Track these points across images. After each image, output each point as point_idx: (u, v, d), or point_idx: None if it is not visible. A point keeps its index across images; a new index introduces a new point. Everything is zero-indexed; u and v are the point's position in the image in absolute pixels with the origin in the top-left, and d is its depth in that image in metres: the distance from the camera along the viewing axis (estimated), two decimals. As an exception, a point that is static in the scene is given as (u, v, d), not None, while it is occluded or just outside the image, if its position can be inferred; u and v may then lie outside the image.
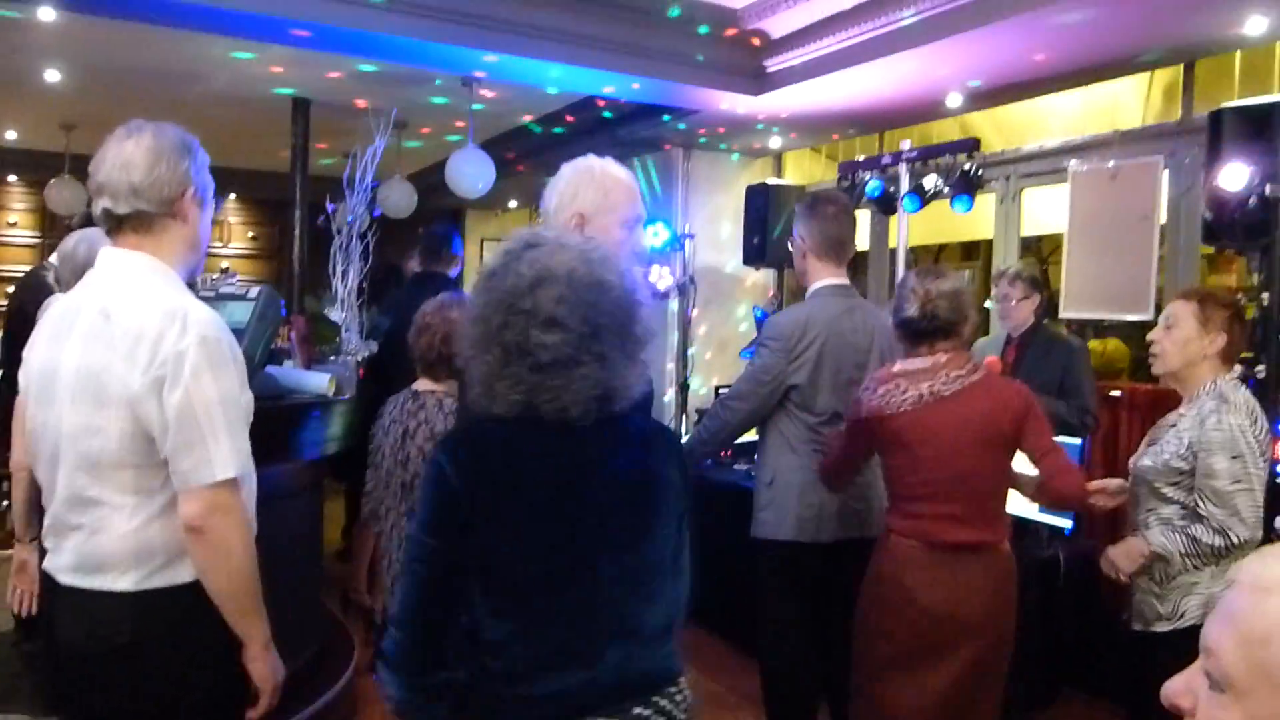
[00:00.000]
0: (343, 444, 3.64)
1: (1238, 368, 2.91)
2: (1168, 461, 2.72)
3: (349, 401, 3.66)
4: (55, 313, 1.99)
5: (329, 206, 4.11)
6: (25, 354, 2.01)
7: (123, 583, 1.86)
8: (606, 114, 6.38)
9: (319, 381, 3.59)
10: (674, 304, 6.94)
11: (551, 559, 1.57)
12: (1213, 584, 2.63)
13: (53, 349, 1.92)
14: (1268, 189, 3.47)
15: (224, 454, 1.84)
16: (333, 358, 3.84)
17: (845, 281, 3.50)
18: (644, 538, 1.65)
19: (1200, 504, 2.65)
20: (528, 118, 7.14)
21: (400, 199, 7.15)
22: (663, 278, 6.42)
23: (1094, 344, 6.02)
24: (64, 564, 1.92)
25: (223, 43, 5.06)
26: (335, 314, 3.93)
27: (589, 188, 2.25)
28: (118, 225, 1.95)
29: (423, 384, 3.07)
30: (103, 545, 1.87)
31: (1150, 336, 2.89)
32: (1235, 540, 2.59)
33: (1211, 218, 3.67)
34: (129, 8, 4.22)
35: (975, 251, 8.34)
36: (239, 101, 6.46)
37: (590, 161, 2.30)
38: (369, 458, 3.09)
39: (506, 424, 1.61)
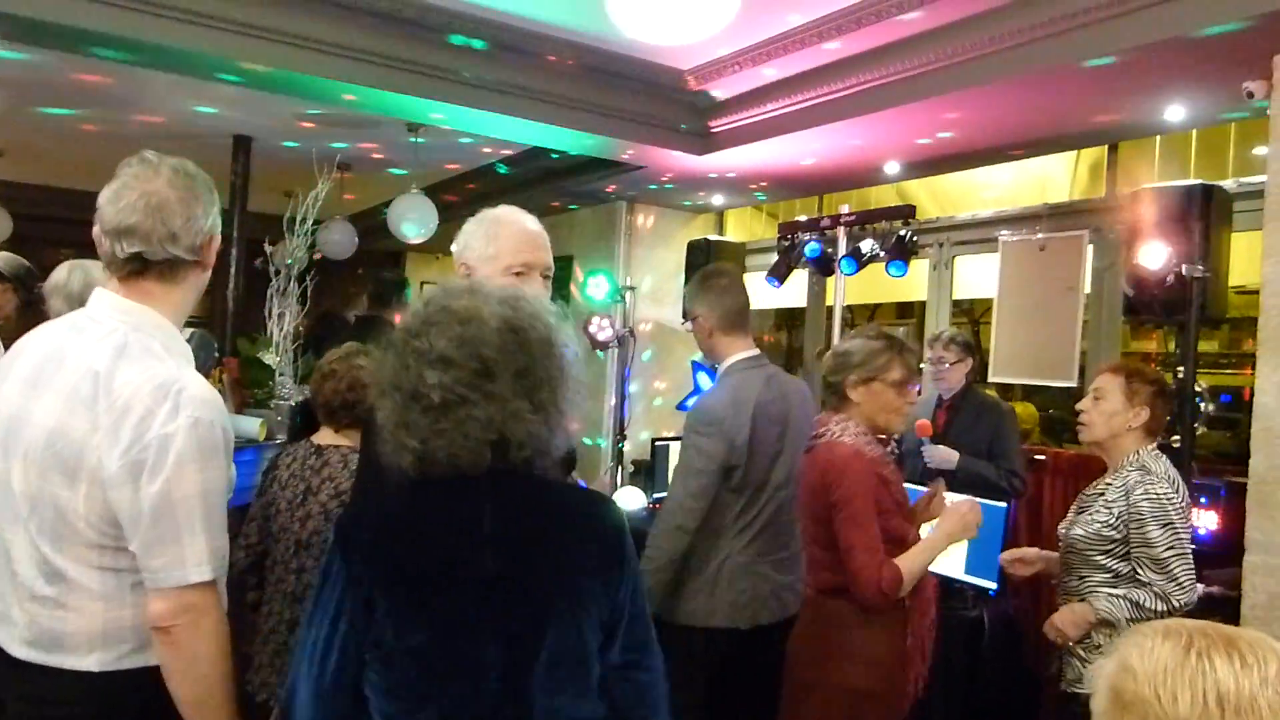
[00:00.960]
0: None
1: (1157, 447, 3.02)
2: (1099, 530, 2.82)
3: (279, 447, 3.60)
4: (35, 354, 1.77)
5: (267, 248, 4.06)
6: None
7: (87, 663, 1.67)
8: (553, 160, 6.43)
9: (249, 426, 3.54)
10: (614, 355, 6.96)
11: (439, 646, 1.43)
12: None
13: (25, 396, 1.72)
14: (1184, 269, 3.62)
15: (199, 554, 1.66)
16: (270, 403, 3.78)
17: (756, 351, 3.33)
18: (548, 624, 1.47)
19: (1140, 571, 2.75)
20: (473, 164, 7.17)
21: (341, 240, 7.10)
22: (603, 329, 6.45)
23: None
24: (18, 636, 1.70)
25: (163, 77, 5.01)
26: (269, 358, 3.87)
27: (475, 237, 2.20)
28: (140, 271, 1.75)
29: (324, 436, 2.95)
30: (68, 623, 1.67)
31: (1079, 407, 3.01)
32: (1177, 605, 2.69)
33: (1132, 294, 3.82)
34: (69, 40, 4.16)
35: (909, 311, 8.52)
36: (177, 136, 6.38)
37: (486, 212, 2.25)
38: (254, 509, 2.92)
39: (405, 492, 1.51)
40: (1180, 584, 2.71)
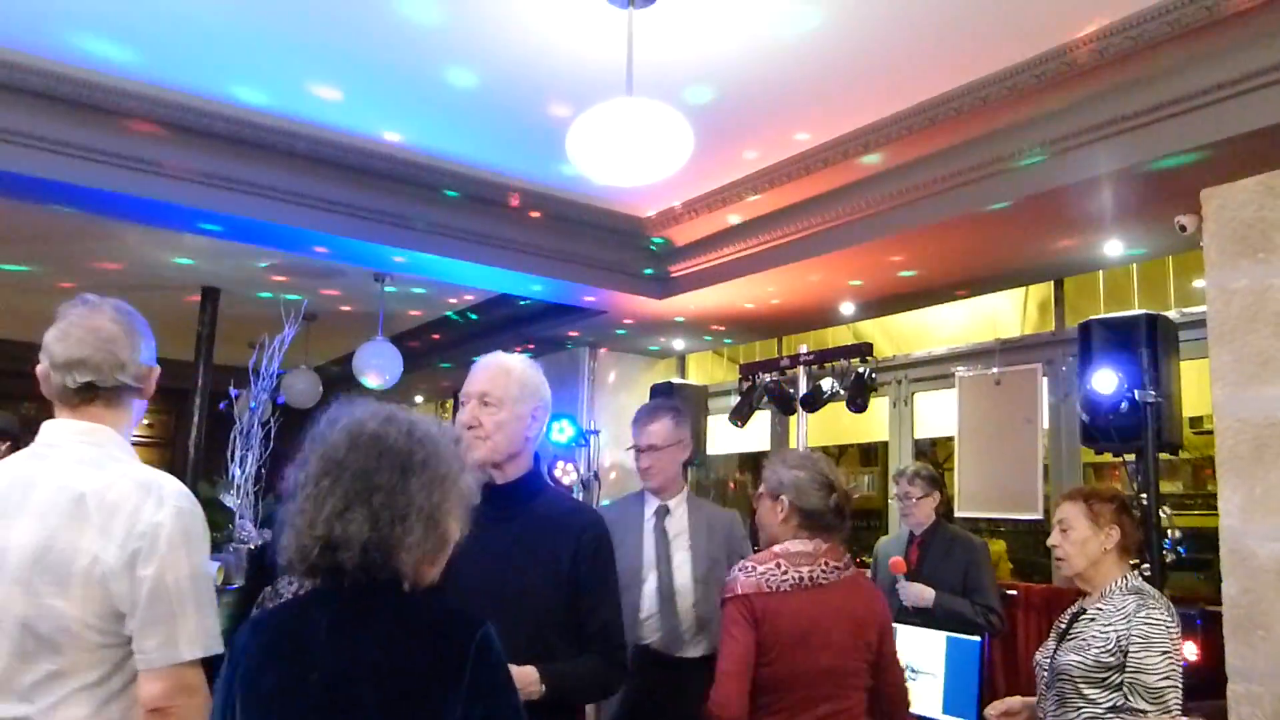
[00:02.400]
0: (228, 636, 3.44)
1: (1140, 568, 3.00)
2: (1097, 657, 2.71)
3: (236, 592, 3.49)
4: None
5: (233, 392, 4.05)
6: None
7: None
8: (513, 310, 6.54)
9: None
10: (578, 498, 6.90)
11: None
12: None
13: None
14: (1136, 394, 3.70)
15: (191, 632, 1.76)
16: (226, 546, 3.70)
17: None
18: None
19: (1131, 700, 2.65)
20: (437, 313, 7.27)
21: (305, 389, 7.09)
22: (568, 473, 6.42)
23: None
24: None
25: (132, 229, 5.10)
26: (230, 500, 3.81)
27: None
28: (90, 399, 1.90)
29: None
30: None
31: (1050, 542, 2.95)
32: None
33: (1088, 419, 3.89)
34: (34, 191, 4.24)
35: (874, 457, 8.57)
36: (146, 288, 6.44)
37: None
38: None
39: (281, 610, 1.57)
40: (1174, 716, 2.64)
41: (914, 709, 3.70)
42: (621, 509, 3.61)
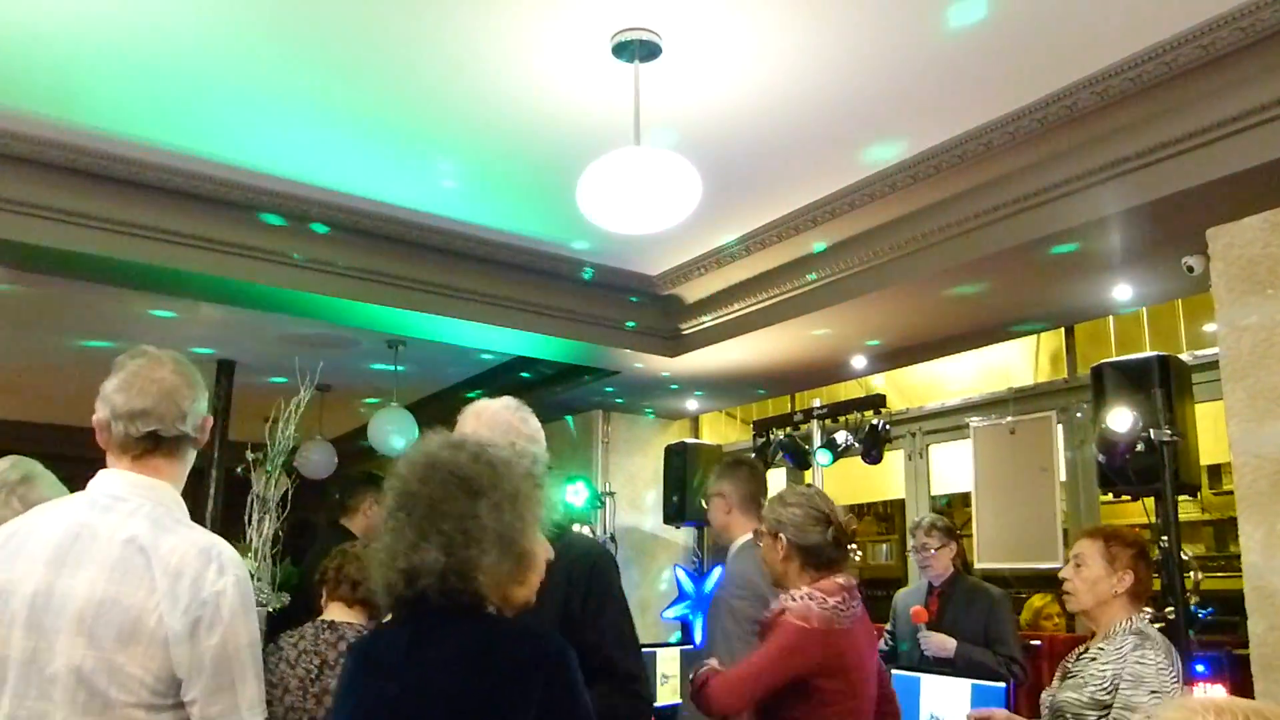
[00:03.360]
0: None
1: (1148, 610, 2.96)
2: (1093, 694, 2.71)
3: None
4: (50, 533, 1.85)
5: (249, 455, 4.08)
6: None
7: None
8: (526, 375, 6.59)
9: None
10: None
11: None
12: None
13: (55, 574, 1.80)
14: (1152, 434, 3.70)
15: (251, 698, 1.80)
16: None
17: None
18: None
19: None
20: (449, 382, 7.32)
21: (320, 460, 7.12)
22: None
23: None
24: None
25: (140, 301, 5.18)
26: (249, 564, 3.80)
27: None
28: (152, 450, 1.92)
29: (336, 612, 2.97)
30: None
31: (1061, 575, 2.96)
32: None
33: (1104, 460, 3.87)
34: (36, 261, 4.34)
35: (892, 525, 8.51)
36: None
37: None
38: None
39: (372, 632, 1.65)
40: None
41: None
42: None
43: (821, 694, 2.56)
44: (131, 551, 1.80)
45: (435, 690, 1.50)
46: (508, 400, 2.55)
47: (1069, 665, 2.91)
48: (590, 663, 2.20)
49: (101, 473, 1.94)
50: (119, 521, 1.84)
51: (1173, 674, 2.69)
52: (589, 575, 2.26)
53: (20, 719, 1.75)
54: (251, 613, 1.84)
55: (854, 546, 2.89)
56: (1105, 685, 2.70)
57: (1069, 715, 2.75)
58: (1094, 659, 2.80)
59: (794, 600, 2.61)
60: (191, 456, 2.01)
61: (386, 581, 1.56)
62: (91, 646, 1.75)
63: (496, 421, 2.41)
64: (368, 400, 7.54)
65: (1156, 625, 2.96)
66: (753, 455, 5.87)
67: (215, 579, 1.79)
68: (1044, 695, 2.92)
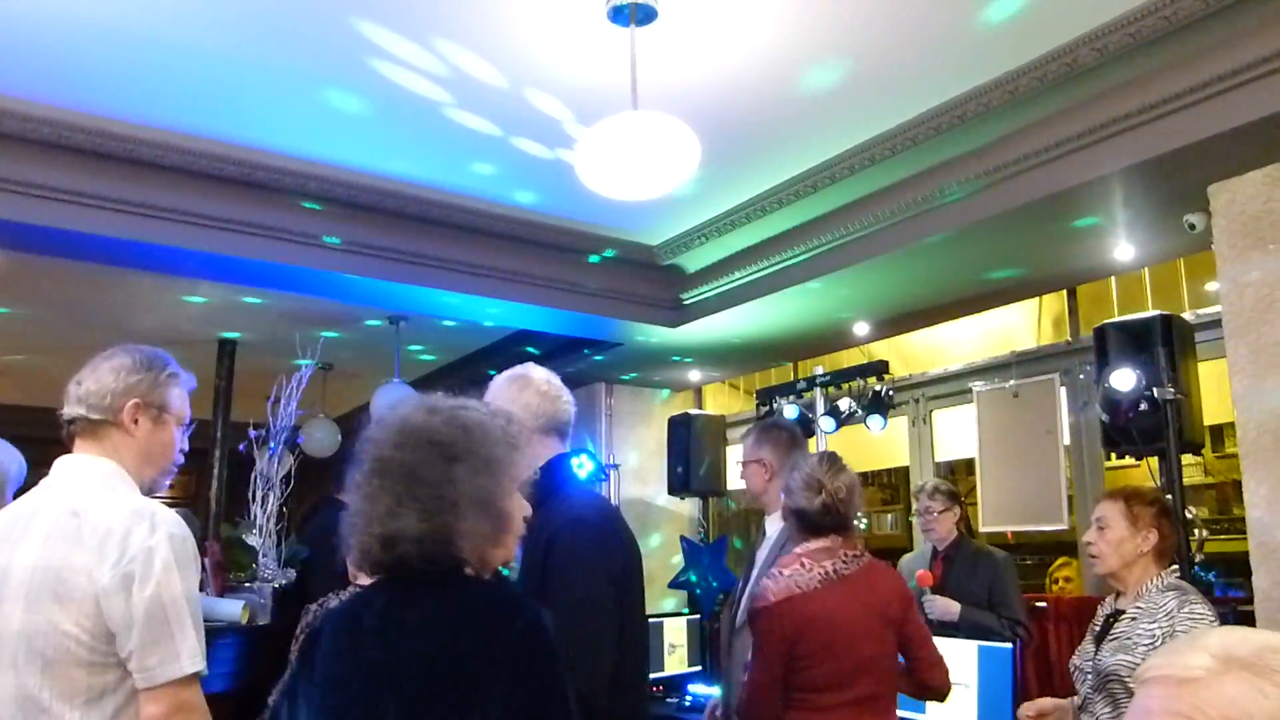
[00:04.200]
0: (254, 674, 3.43)
1: (1174, 567, 2.91)
2: (1145, 656, 2.66)
3: (262, 629, 3.49)
4: (3, 519, 1.98)
5: (252, 433, 4.08)
6: None
7: None
8: (530, 349, 6.58)
9: (231, 609, 3.44)
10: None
11: None
12: None
13: (2, 553, 1.90)
14: (1155, 393, 3.69)
15: (190, 647, 1.85)
16: (248, 584, 3.69)
17: None
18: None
19: None
20: (452, 357, 7.32)
21: (324, 438, 7.11)
22: (588, 508, 6.40)
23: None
24: None
25: (142, 281, 5.17)
26: (253, 539, 3.81)
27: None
28: (69, 430, 2.05)
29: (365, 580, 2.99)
30: None
31: (1085, 539, 2.93)
32: None
33: (1107, 420, 3.87)
34: (37, 241, 4.33)
35: (897, 495, 8.52)
36: (161, 343, 6.48)
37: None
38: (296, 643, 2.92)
39: (351, 598, 1.65)
40: None
41: (949, 721, 3.68)
42: None
43: (800, 660, 2.62)
44: (66, 518, 1.89)
45: (413, 654, 1.49)
46: (512, 371, 2.57)
47: (1099, 628, 2.89)
48: None
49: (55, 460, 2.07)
50: (56, 495, 1.96)
51: (1217, 624, 2.69)
52: (547, 547, 2.18)
53: None
54: (189, 568, 1.90)
55: (861, 515, 2.92)
56: (1156, 645, 2.67)
57: (1123, 678, 2.73)
58: (1135, 619, 2.77)
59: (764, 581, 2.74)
60: (122, 439, 2.06)
61: (362, 547, 1.56)
62: (31, 610, 1.82)
63: (496, 397, 2.44)
64: (370, 376, 7.53)
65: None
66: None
67: (146, 535, 1.85)
68: (1077, 661, 2.90)
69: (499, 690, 1.43)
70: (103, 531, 1.84)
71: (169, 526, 1.89)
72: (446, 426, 1.59)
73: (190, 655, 1.84)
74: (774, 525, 3.56)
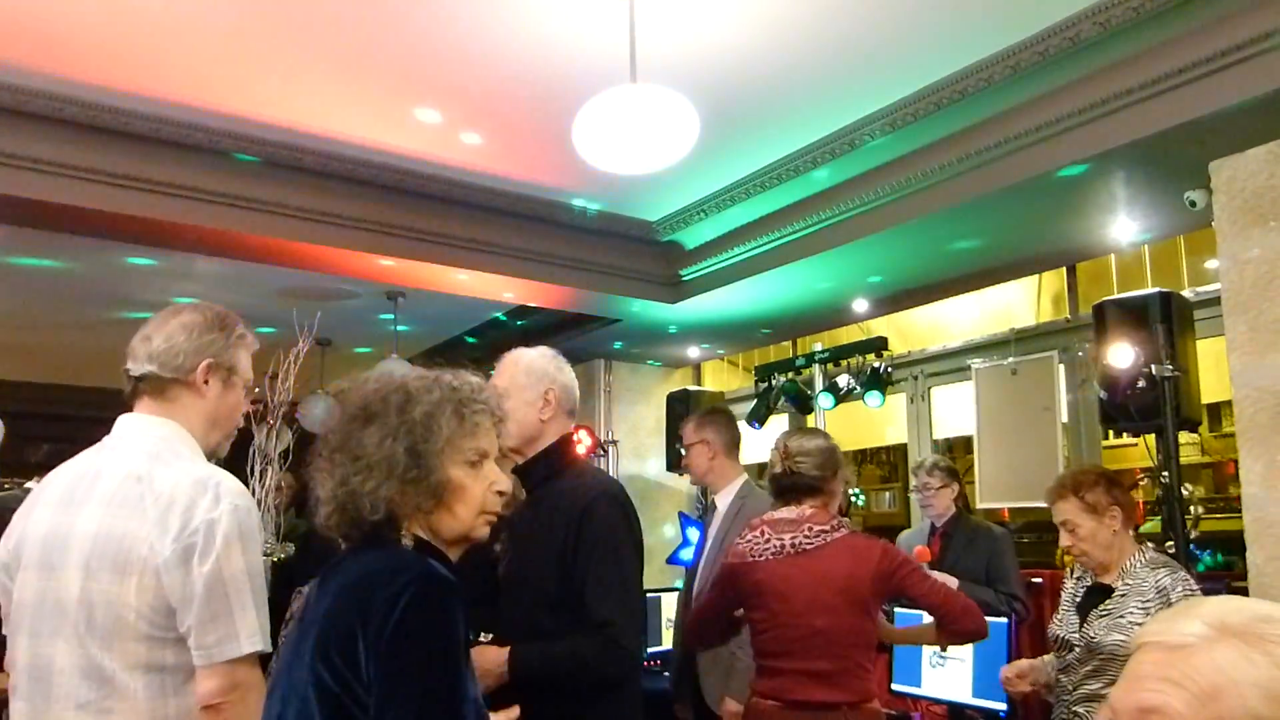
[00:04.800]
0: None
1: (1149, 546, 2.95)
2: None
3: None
4: (64, 478, 1.91)
5: (251, 407, 4.08)
6: (17, 522, 1.92)
7: None
8: (526, 324, 6.57)
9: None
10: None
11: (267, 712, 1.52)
12: None
13: (64, 514, 1.84)
14: (1153, 369, 3.69)
15: (250, 626, 1.78)
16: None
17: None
18: (304, 681, 1.43)
19: None
20: (448, 334, 7.30)
21: (322, 413, 7.10)
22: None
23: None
24: None
25: (136, 255, 5.16)
26: (251, 513, 3.84)
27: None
28: (145, 392, 1.96)
29: None
30: None
31: (1063, 544, 2.97)
32: None
33: (1105, 397, 3.87)
34: (35, 217, 4.31)
35: (895, 473, 8.55)
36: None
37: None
38: (286, 629, 2.93)
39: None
40: None
41: (945, 695, 3.70)
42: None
43: (751, 622, 2.81)
44: (129, 484, 1.82)
45: (317, 619, 1.47)
46: (543, 349, 2.61)
47: (1080, 599, 2.91)
48: (575, 607, 2.23)
49: (118, 419, 1.99)
50: (120, 459, 1.87)
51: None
52: (585, 514, 2.28)
53: (40, 657, 1.80)
54: (252, 542, 1.82)
55: (855, 488, 2.97)
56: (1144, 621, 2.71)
57: (1118, 656, 2.74)
58: (1125, 596, 2.79)
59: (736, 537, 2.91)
60: (191, 401, 1.98)
61: (317, 519, 1.57)
62: (92, 579, 1.77)
63: (538, 371, 2.49)
64: (366, 350, 7.52)
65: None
66: (754, 401, 5.88)
67: (210, 507, 1.78)
68: (1058, 631, 2.91)
69: (372, 662, 1.38)
70: (166, 501, 1.78)
71: (233, 498, 1.82)
72: (373, 393, 1.56)
73: (249, 634, 1.77)
74: (724, 500, 3.85)
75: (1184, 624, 0.92)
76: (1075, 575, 3.01)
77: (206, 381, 1.98)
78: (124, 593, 1.76)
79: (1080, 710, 2.78)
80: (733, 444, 3.89)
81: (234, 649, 1.75)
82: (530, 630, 2.21)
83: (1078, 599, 2.93)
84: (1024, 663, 3.08)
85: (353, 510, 1.51)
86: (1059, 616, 2.95)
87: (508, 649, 2.16)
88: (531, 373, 2.47)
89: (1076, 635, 2.85)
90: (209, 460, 1.99)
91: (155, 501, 1.79)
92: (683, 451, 4.00)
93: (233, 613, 1.76)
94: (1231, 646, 0.88)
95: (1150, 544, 2.94)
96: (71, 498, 1.85)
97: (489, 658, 2.12)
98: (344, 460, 1.52)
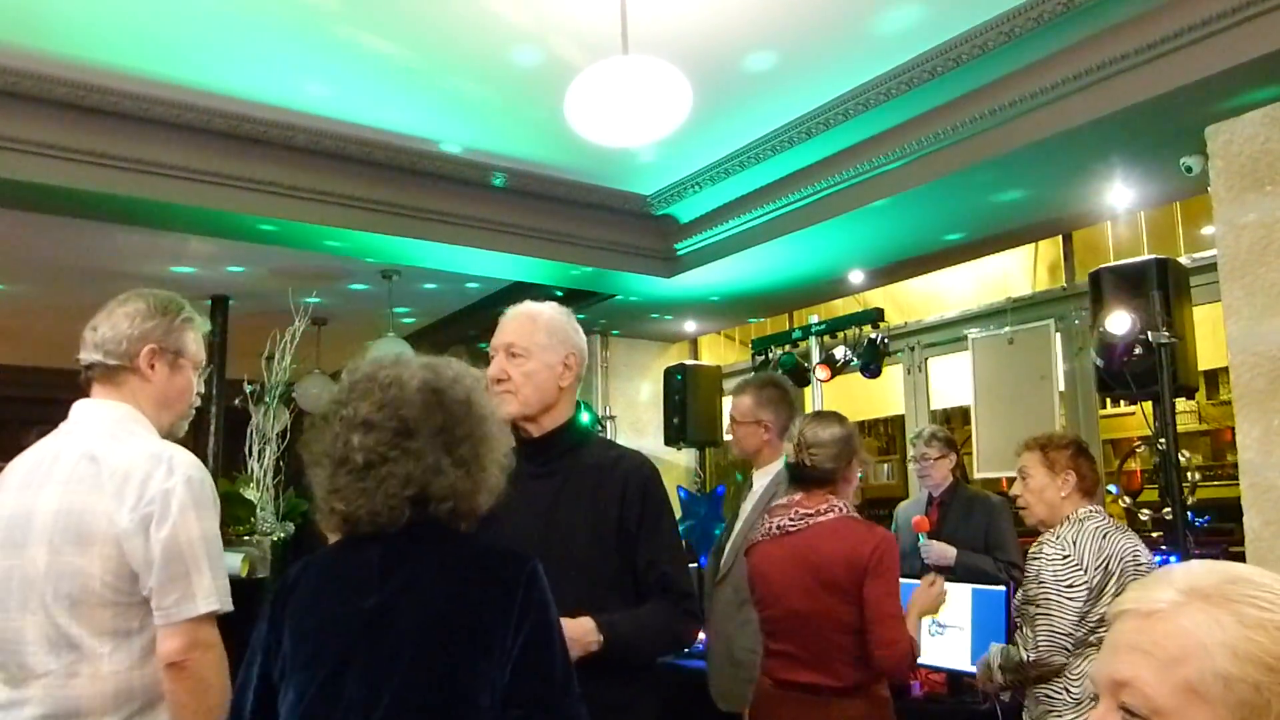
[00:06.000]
0: (254, 627, 3.47)
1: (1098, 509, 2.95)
2: (1047, 578, 2.79)
3: (261, 581, 3.53)
4: (25, 462, 2.01)
5: (246, 387, 4.08)
6: None
7: None
8: (522, 299, 6.54)
9: (231, 562, 3.45)
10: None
11: (315, 685, 1.50)
12: None
13: (25, 495, 1.94)
14: (1150, 336, 3.68)
15: (206, 587, 1.88)
16: (247, 538, 3.72)
17: None
18: (421, 664, 1.49)
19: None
20: (444, 311, 7.29)
21: (319, 394, 7.10)
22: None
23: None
24: (29, 716, 1.85)
25: (138, 241, 5.13)
26: (250, 493, 3.83)
27: None
28: (86, 376, 2.06)
29: None
30: (80, 689, 1.85)
31: (1012, 492, 3.01)
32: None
33: (1102, 364, 3.87)
34: (24, 197, 4.29)
35: (893, 445, 8.56)
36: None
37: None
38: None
39: (330, 550, 1.62)
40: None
41: (944, 663, 3.72)
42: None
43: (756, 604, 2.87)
44: (85, 463, 1.92)
45: (418, 602, 1.52)
46: (557, 307, 2.40)
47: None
48: (646, 577, 2.16)
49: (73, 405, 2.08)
50: (76, 441, 1.98)
51: (1060, 566, 2.77)
52: (644, 487, 2.19)
53: (8, 631, 1.88)
54: (207, 510, 1.92)
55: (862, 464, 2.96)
56: (1058, 565, 2.76)
57: (1031, 597, 2.81)
58: (1040, 547, 2.85)
59: None
60: (139, 385, 2.07)
61: (376, 508, 1.55)
62: (56, 553, 1.87)
63: (559, 330, 2.28)
64: (362, 328, 7.51)
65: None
66: (751, 375, 5.88)
67: (164, 478, 1.89)
68: (1022, 603, 2.94)
69: (509, 637, 1.50)
70: (121, 475, 1.88)
71: (186, 469, 1.92)
72: (452, 385, 1.62)
73: (205, 595, 1.88)
74: (761, 480, 3.68)
75: (1157, 590, 0.93)
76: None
77: (152, 366, 2.07)
78: (88, 563, 1.85)
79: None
80: (787, 426, 3.66)
81: (191, 609, 1.86)
82: (593, 610, 2.07)
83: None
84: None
85: (462, 501, 1.58)
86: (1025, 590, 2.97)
87: (588, 618, 2.04)
88: (554, 333, 2.25)
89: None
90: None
91: (111, 476, 1.89)
92: (730, 423, 3.80)
93: (189, 575, 1.87)
94: (1199, 609, 0.89)
95: (1096, 511, 2.92)
96: (31, 480, 1.95)
97: (583, 627, 2.03)
98: (465, 456, 1.58)
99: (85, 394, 2.07)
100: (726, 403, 6.99)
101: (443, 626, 1.51)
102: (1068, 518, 2.86)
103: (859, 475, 2.94)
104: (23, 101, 3.92)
